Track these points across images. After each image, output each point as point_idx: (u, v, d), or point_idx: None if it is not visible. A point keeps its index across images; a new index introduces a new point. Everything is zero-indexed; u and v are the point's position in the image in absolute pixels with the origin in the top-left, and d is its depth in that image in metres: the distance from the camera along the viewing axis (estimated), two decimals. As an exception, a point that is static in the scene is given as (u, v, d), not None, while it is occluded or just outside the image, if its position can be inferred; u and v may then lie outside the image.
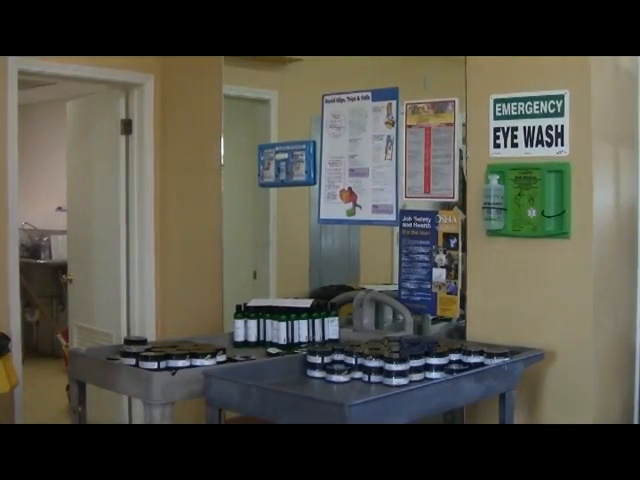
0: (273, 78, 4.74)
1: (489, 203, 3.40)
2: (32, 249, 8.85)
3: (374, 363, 2.94)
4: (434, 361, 3.01)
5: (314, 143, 4.21)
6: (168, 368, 3.12)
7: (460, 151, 3.67)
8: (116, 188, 5.36)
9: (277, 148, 4.38)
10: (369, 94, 3.99)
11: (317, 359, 3.08)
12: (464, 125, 3.65)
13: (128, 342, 3.44)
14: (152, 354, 3.19)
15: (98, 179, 5.62)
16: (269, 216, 4.80)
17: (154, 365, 3.13)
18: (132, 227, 5.31)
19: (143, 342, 3.43)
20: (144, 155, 5.25)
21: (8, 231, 4.51)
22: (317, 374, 3.06)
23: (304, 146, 4.24)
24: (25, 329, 7.57)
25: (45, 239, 8.87)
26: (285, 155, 4.30)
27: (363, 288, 4.13)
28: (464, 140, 3.66)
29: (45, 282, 8.47)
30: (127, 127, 5.32)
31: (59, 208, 8.24)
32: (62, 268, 6.72)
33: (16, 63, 4.59)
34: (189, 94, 5.05)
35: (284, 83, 4.76)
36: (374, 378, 2.93)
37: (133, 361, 3.22)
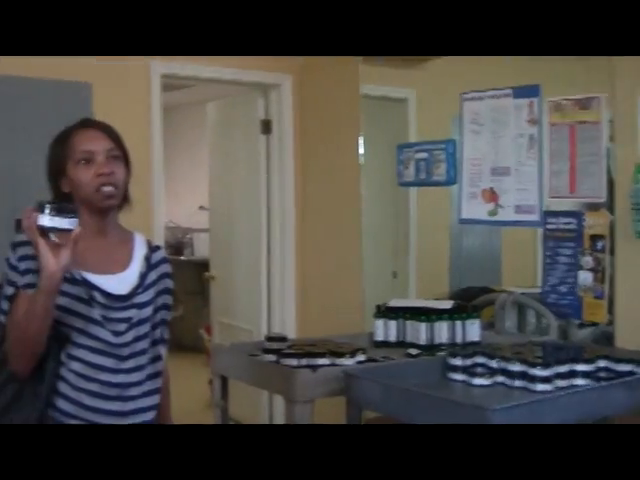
0: (411, 76, 4.72)
1: (639, 204, 3.28)
2: (176, 246, 9.09)
3: (517, 367, 2.87)
4: (580, 368, 2.89)
5: (454, 142, 4.17)
6: (309, 366, 3.15)
7: (607, 149, 3.56)
8: (257, 187, 5.44)
9: (416, 148, 4.36)
10: (510, 92, 3.92)
11: (458, 362, 3.04)
12: (611, 122, 3.53)
13: (269, 339, 3.48)
14: (293, 351, 3.23)
15: (239, 178, 5.72)
16: (409, 216, 4.78)
17: (295, 362, 3.17)
18: (273, 226, 5.38)
19: (283, 339, 3.47)
20: (284, 155, 5.31)
21: (154, 229, 4.67)
22: (458, 377, 3.02)
23: (444, 145, 4.20)
24: (169, 323, 7.81)
25: (188, 237, 9.11)
26: (425, 155, 4.28)
27: (505, 290, 4.06)
28: (610, 138, 3.54)
29: (188, 278, 8.67)
30: (267, 127, 5.40)
31: (201, 207, 8.44)
32: (204, 265, 6.87)
33: (159, 67, 4.73)
34: (327, 94, 5.08)
35: (422, 81, 4.73)
36: (517, 383, 2.87)
37: (274, 358, 3.27)
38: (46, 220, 1.91)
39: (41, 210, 1.91)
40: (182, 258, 8.87)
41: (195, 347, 8.31)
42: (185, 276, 8.63)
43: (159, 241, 4.68)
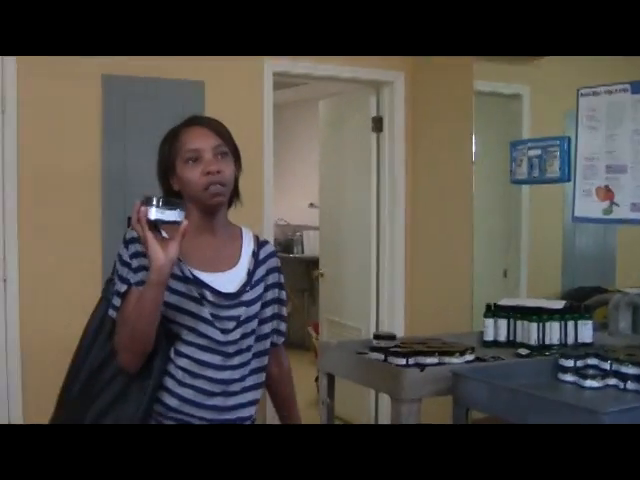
0: (525, 72, 4.63)
1: None
2: (285, 244, 9.15)
3: (631, 370, 2.80)
4: (699, 372, 2.80)
5: (569, 139, 4.07)
6: (417, 365, 3.14)
7: None
8: (367, 185, 5.45)
9: (530, 144, 4.28)
10: (628, 86, 3.80)
11: (569, 363, 2.97)
12: None
13: (377, 337, 3.48)
14: (401, 350, 3.22)
15: (349, 176, 5.73)
16: (521, 214, 4.70)
17: (403, 361, 3.16)
18: (382, 224, 5.38)
19: (392, 338, 3.46)
20: (395, 152, 5.29)
21: (264, 226, 4.72)
22: (569, 378, 2.96)
23: (558, 142, 4.11)
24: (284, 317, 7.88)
25: (298, 234, 9.16)
26: (538, 151, 4.20)
27: (619, 290, 3.95)
28: None
29: (297, 276, 8.75)
30: (378, 124, 5.39)
31: (311, 204, 8.48)
32: (314, 263, 6.91)
33: (271, 65, 4.78)
34: (439, 90, 5.05)
35: (537, 77, 4.63)
36: (630, 386, 2.79)
37: (382, 356, 3.26)
38: (153, 213, 1.93)
39: (149, 204, 1.93)
40: (291, 256, 8.91)
41: (302, 345, 8.37)
42: (294, 274, 8.70)
43: (269, 238, 4.69)
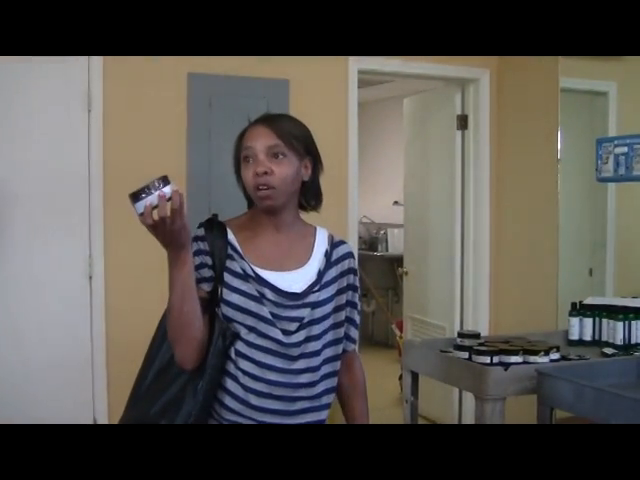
0: (611, 69, 4.57)
1: None
2: (370, 242, 9.16)
3: None
4: None
5: (657, 136, 4.01)
6: (501, 363, 3.14)
7: None
8: (452, 183, 5.43)
9: (616, 142, 4.22)
10: None
11: (657, 362, 2.95)
12: None
13: (461, 335, 3.49)
14: (485, 349, 3.22)
15: (434, 174, 5.72)
16: (607, 212, 4.64)
17: (487, 360, 3.16)
18: (467, 222, 5.35)
19: (476, 336, 3.47)
20: (480, 150, 5.27)
21: (348, 224, 4.73)
22: (656, 378, 2.93)
23: (645, 139, 4.05)
24: (362, 318, 7.92)
25: (382, 232, 9.14)
26: (624, 149, 4.14)
27: None
28: None
29: (381, 274, 8.75)
30: (463, 122, 5.37)
31: (395, 202, 8.47)
32: (398, 261, 6.91)
33: (356, 63, 4.80)
34: (525, 88, 5.01)
35: (623, 74, 4.57)
36: None
37: (466, 355, 3.27)
38: (140, 207, 1.84)
39: (135, 200, 1.84)
40: (376, 254, 8.91)
41: (386, 343, 8.39)
42: (378, 272, 8.72)
43: (353, 236, 4.75)
